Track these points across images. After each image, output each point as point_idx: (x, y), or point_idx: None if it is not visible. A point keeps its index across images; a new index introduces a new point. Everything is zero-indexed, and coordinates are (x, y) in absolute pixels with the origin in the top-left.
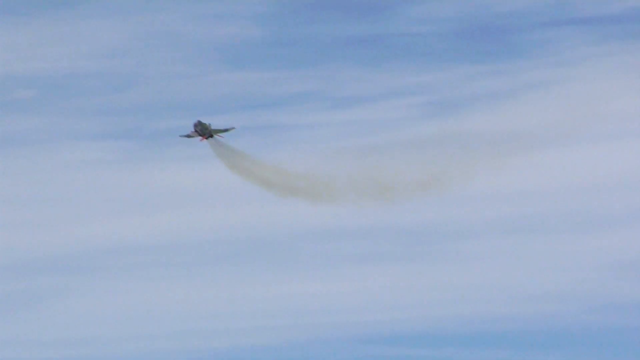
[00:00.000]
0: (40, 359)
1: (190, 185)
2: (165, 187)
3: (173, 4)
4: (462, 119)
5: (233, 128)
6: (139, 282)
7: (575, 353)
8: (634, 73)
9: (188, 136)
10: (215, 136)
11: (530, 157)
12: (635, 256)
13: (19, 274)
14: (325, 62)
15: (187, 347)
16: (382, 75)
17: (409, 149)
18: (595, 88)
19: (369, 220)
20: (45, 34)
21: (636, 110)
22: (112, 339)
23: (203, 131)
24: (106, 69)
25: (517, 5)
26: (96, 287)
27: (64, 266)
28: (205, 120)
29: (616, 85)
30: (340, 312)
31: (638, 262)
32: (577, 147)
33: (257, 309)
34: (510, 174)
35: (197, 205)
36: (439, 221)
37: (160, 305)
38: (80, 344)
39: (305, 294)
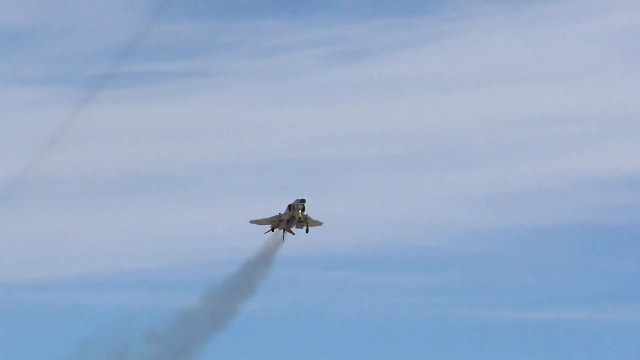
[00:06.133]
0: None
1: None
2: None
3: None
4: (370, 66)
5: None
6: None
7: (440, 275)
8: (519, 27)
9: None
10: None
11: (417, 101)
12: (495, 190)
13: None
14: (253, 16)
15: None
16: (301, 28)
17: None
18: (487, 39)
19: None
20: None
21: (516, 59)
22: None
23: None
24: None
25: None
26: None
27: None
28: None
29: (502, 38)
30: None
31: (498, 195)
32: (465, 91)
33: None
34: (399, 115)
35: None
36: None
37: (79, 229)
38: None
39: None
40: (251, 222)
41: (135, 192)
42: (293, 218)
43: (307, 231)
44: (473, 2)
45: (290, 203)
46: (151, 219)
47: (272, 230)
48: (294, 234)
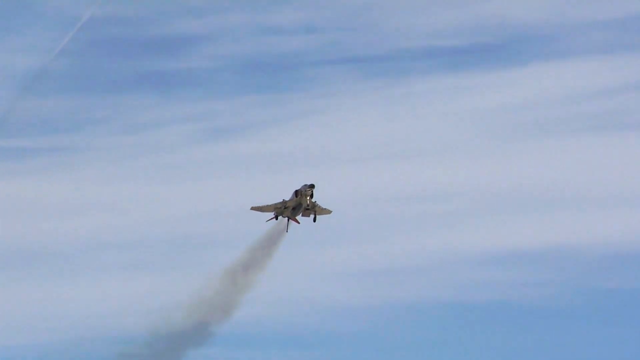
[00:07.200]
0: None
1: None
2: None
3: None
4: (239, 142)
5: (330, 211)
6: None
7: (311, 353)
8: (386, 105)
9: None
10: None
11: (290, 176)
12: (362, 267)
13: None
14: (122, 92)
15: None
16: (170, 104)
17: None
18: (354, 117)
19: None
20: None
21: (383, 136)
22: None
23: (300, 202)
24: None
25: (294, 45)
26: None
27: None
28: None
29: (369, 115)
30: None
31: (365, 272)
32: (333, 167)
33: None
34: (268, 192)
35: None
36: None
37: None
38: None
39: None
40: (252, 208)
41: None
42: (300, 205)
43: (314, 220)
44: (341, 80)
45: (297, 189)
46: (15, 296)
47: (276, 218)
48: (299, 222)
